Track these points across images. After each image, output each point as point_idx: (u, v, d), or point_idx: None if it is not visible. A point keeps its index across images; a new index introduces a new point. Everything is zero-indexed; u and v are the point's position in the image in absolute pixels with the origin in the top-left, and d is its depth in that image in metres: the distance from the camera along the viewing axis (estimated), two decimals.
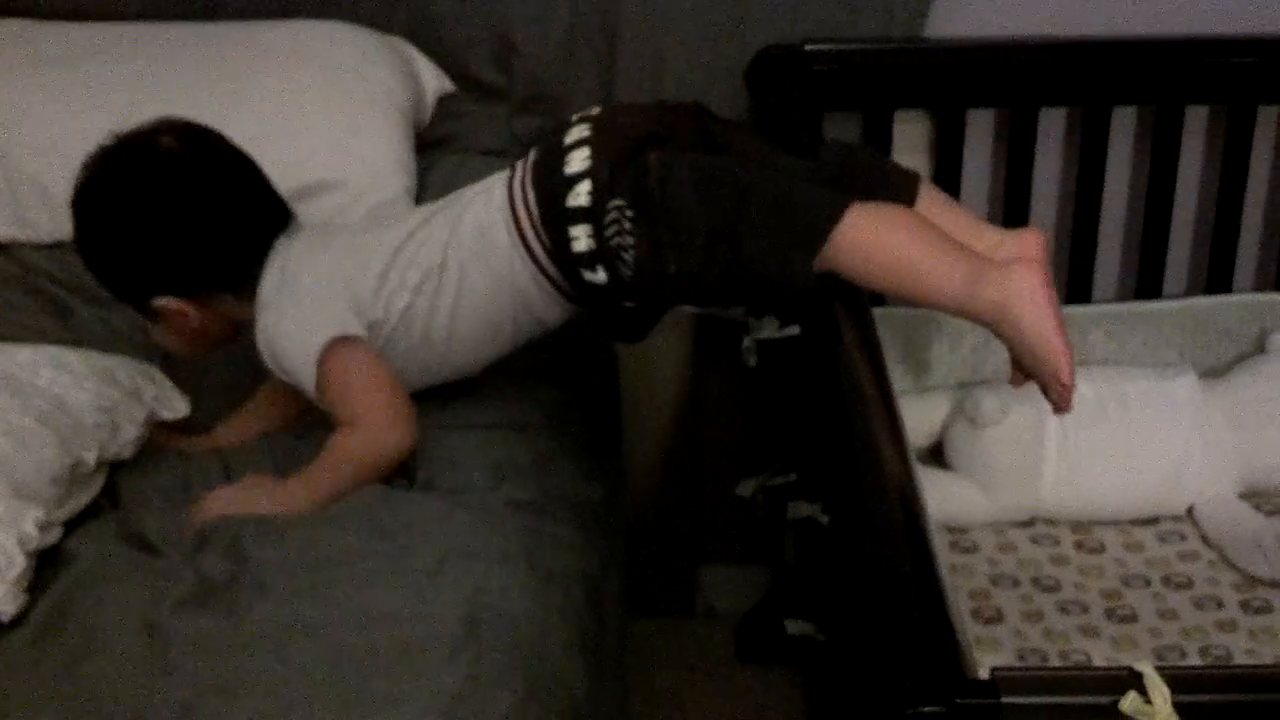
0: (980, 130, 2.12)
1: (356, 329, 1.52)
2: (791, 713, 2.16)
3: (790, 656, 2.11)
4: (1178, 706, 1.05)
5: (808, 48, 2.00)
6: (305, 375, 1.51)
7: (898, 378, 2.13)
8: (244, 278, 1.54)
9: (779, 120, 1.98)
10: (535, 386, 1.67)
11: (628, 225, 1.44)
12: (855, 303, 1.51)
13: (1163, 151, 2.09)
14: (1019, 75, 2.07)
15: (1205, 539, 1.98)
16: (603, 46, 2.01)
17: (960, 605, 1.86)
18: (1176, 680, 1.06)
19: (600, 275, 1.48)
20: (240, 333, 1.58)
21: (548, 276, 1.52)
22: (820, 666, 1.78)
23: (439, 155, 1.95)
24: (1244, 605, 1.88)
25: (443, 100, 2.00)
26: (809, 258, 1.42)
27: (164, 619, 1.31)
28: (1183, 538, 1.99)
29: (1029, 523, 2.03)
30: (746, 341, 1.86)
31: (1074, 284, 2.14)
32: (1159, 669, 1.06)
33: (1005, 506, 2.02)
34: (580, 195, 1.46)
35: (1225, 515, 1.99)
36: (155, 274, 1.53)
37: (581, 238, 1.47)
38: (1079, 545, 1.98)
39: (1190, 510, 2.02)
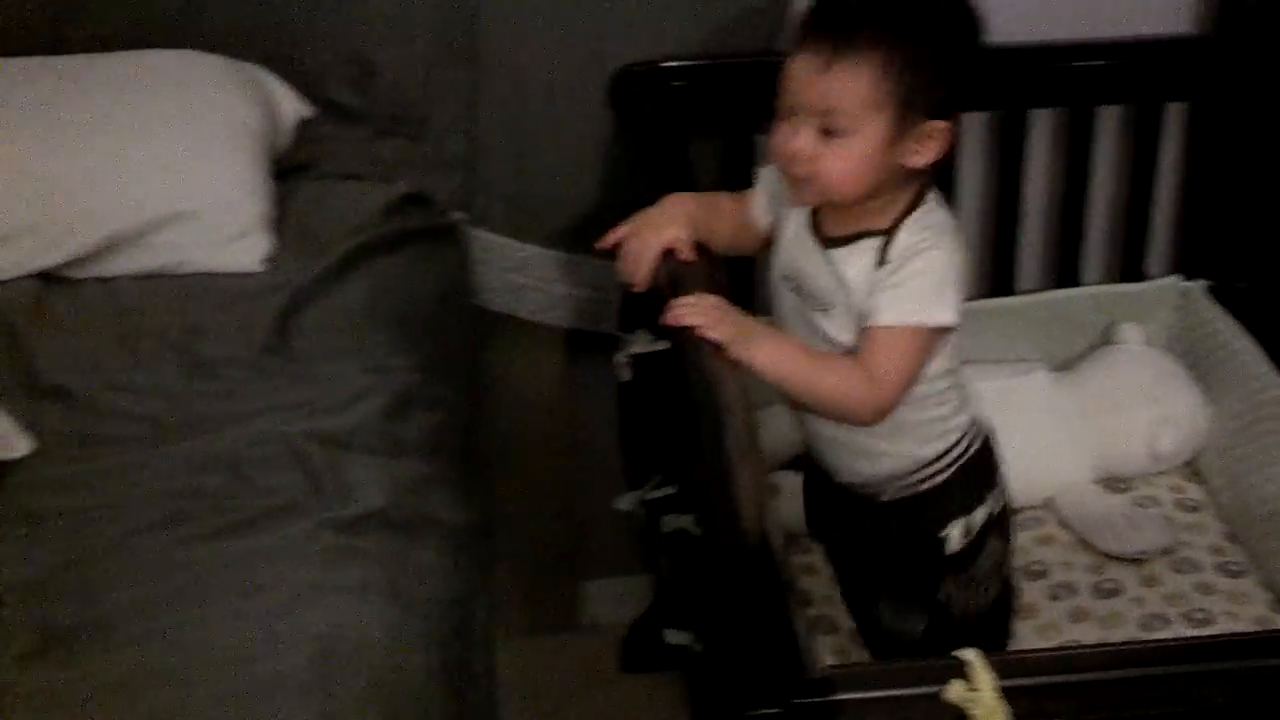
0: None
1: (957, 324, 1.43)
2: None
3: (672, 666, 2.03)
4: (1004, 690, 1.04)
5: (666, 65, 1.92)
6: (888, 315, 1.40)
7: (768, 388, 2.07)
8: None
9: (642, 135, 1.91)
10: (406, 410, 1.56)
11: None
12: None
13: (1010, 153, 2.06)
14: None
15: (1063, 523, 1.96)
16: (463, 67, 1.91)
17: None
18: (1000, 665, 1.05)
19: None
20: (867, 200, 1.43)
21: None
22: (697, 675, 1.71)
23: (300, 181, 1.84)
24: (1095, 589, 1.87)
25: (302, 125, 1.89)
26: None
27: (3, 675, 1.19)
28: (1040, 523, 1.97)
29: None
30: (620, 356, 1.80)
31: None
32: (984, 655, 1.05)
33: None
34: None
35: (1081, 500, 1.98)
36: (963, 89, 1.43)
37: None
38: None
39: (1050, 500, 1.99)
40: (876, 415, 1.43)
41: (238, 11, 1.88)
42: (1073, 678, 1.08)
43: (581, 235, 1.98)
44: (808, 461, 1.64)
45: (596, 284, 1.99)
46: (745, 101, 1.96)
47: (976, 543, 1.54)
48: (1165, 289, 2.15)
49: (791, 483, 1.97)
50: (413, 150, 1.91)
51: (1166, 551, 1.91)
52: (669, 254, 1.55)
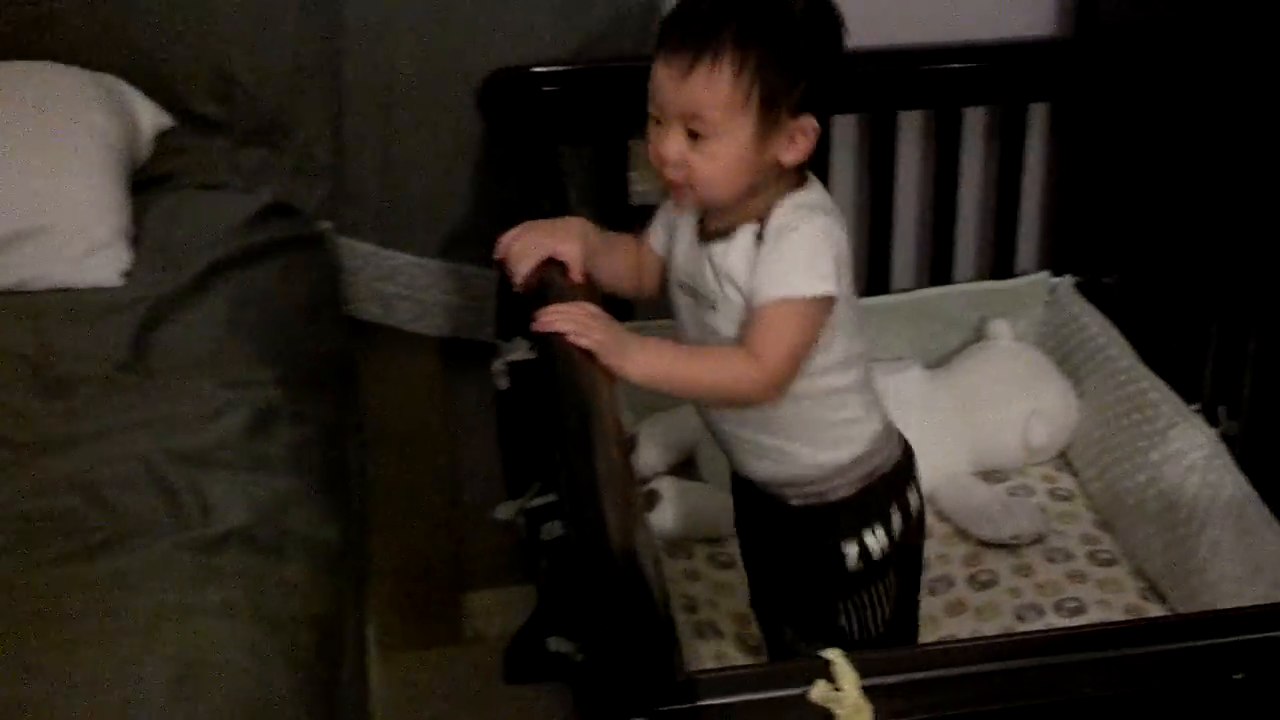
0: None
1: (835, 294, 1.41)
2: None
3: (556, 676, 2.01)
4: (867, 689, 1.03)
5: (536, 70, 1.90)
6: (764, 292, 1.39)
7: (647, 395, 2.06)
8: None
9: (513, 141, 1.89)
10: (269, 426, 1.52)
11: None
12: None
13: (881, 154, 2.07)
14: None
15: (940, 514, 1.98)
16: (328, 75, 1.88)
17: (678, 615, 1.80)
18: (863, 664, 1.04)
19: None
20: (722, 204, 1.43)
21: None
22: (580, 685, 1.70)
23: (159, 192, 1.79)
24: (971, 580, 1.89)
25: (162, 136, 1.84)
26: None
27: None
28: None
29: None
30: (497, 364, 1.77)
31: None
32: (847, 655, 1.04)
33: None
34: None
35: (958, 491, 2.00)
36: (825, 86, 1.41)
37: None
38: None
39: (929, 494, 1.97)
40: (766, 390, 1.41)
41: (95, 23, 1.83)
42: (936, 674, 1.07)
43: (453, 242, 1.96)
44: (731, 469, 1.61)
45: (471, 291, 1.97)
46: (617, 106, 1.95)
47: (878, 565, 1.53)
48: (1035, 285, 2.17)
49: (676, 488, 1.97)
50: (277, 159, 1.88)
51: (1039, 540, 1.93)
52: (552, 263, 1.52)
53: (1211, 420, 1.83)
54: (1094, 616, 1.82)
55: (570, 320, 1.38)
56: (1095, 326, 2.05)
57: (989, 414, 2.04)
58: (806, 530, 1.53)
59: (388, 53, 1.87)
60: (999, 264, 2.17)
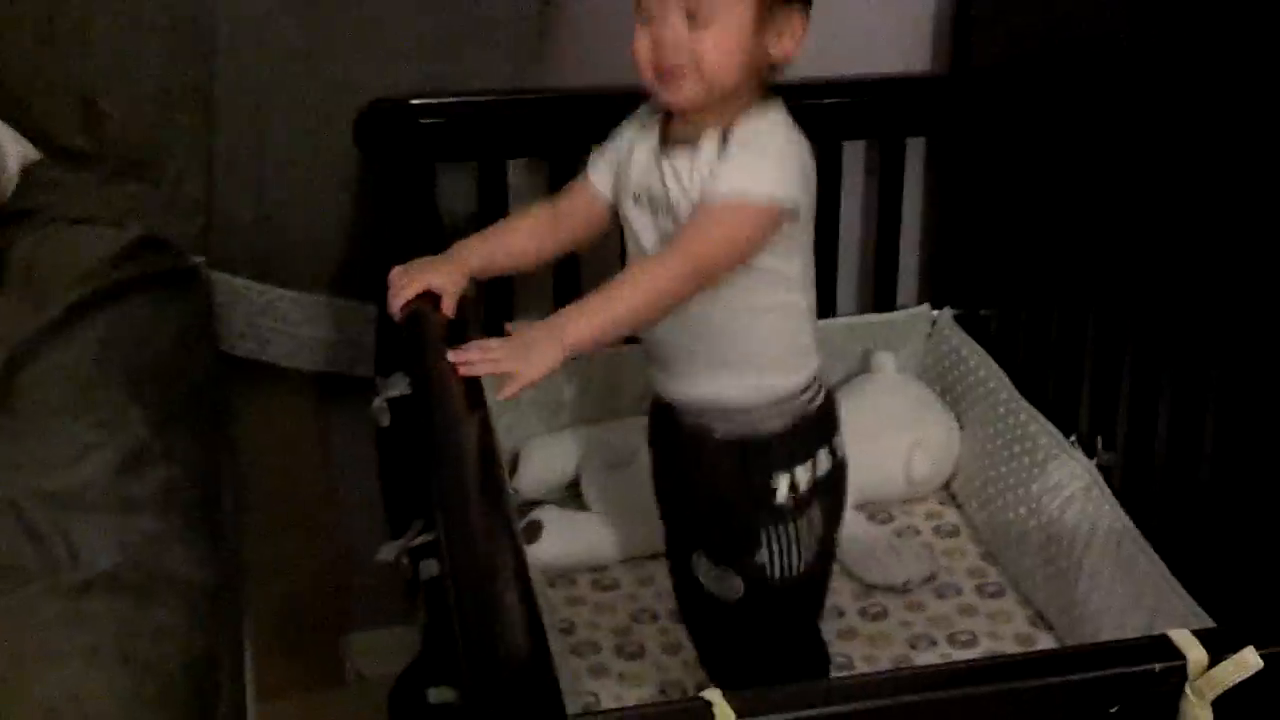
0: None
1: (794, 204, 1.41)
2: None
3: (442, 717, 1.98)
4: None
5: (414, 101, 1.88)
6: (718, 189, 1.39)
7: (531, 421, 2.06)
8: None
9: (390, 174, 1.87)
10: (139, 466, 1.48)
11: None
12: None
13: None
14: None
15: None
16: (198, 107, 1.84)
17: (559, 646, 1.80)
18: (743, 704, 1.03)
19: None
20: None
21: None
22: None
23: (25, 227, 1.74)
24: (862, 613, 1.90)
25: (28, 170, 1.80)
26: None
27: None
28: None
29: (665, 552, 1.96)
30: (377, 401, 1.75)
31: None
32: (726, 694, 1.03)
33: (642, 541, 1.96)
34: None
35: (846, 532, 1.96)
36: None
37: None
38: None
39: None
40: (695, 278, 1.40)
41: None
42: (818, 712, 1.06)
43: (330, 276, 1.93)
44: (653, 405, 1.61)
45: (349, 326, 1.95)
46: (496, 136, 1.95)
47: (804, 499, 1.53)
48: (916, 318, 2.20)
49: (559, 518, 1.96)
50: (148, 193, 1.84)
51: (928, 580, 1.94)
52: (428, 295, 1.52)
53: (1089, 452, 1.85)
54: (985, 648, 1.84)
55: (465, 359, 1.39)
56: (975, 359, 2.08)
57: (872, 446, 2.02)
58: (732, 463, 1.53)
59: (261, 84, 1.85)
60: (880, 297, 2.19)
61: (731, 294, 1.46)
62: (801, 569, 1.56)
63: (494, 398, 1.38)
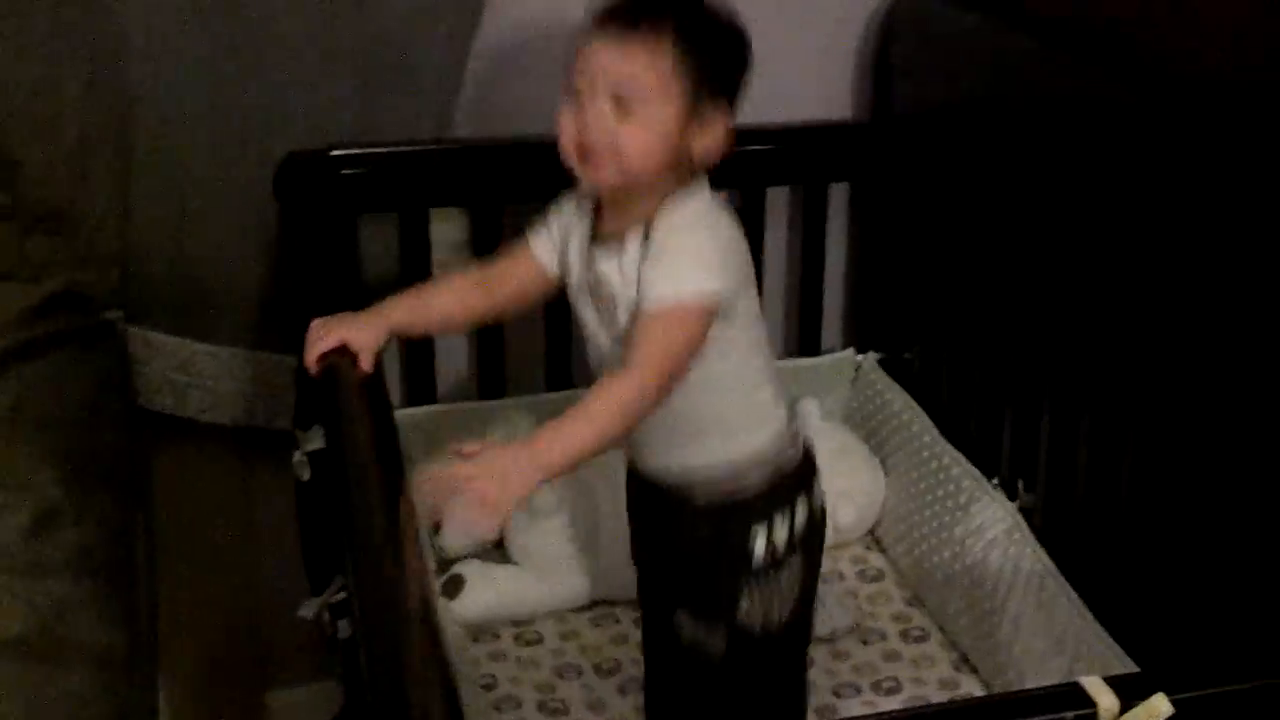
0: (521, 224, 2.04)
1: (719, 287, 1.42)
2: None
3: None
4: None
5: (334, 153, 1.88)
6: (649, 297, 1.40)
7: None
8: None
9: (309, 225, 1.86)
10: (50, 528, 1.47)
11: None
12: (378, 406, 1.41)
13: None
14: (552, 171, 2.00)
15: None
16: (117, 160, 1.83)
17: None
18: None
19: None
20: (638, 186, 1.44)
21: None
22: None
23: None
24: None
25: None
26: None
27: None
28: None
29: (589, 606, 1.97)
30: (297, 455, 1.74)
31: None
32: None
33: (567, 593, 1.95)
34: None
35: None
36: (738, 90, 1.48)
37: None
38: (638, 622, 1.92)
39: None
40: (658, 394, 1.41)
41: None
42: None
43: (248, 329, 1.92)
44: (629, 475, 1.61)
45: (267, 380, 1.93)
46: (417, 187, 1.95)
47: (784, 551, 1.54)
48: (841, 362, 2.21)
49: (481, 572, 1.95)
50: (63, 247, 1.82)
51: (851, 630, 1.95)
52: (345, 350, 1.52)
53: (1011, 494, 1.87)
54: (909, 694, 1.85)
55: (441, 488, 1.33)
56: (899, 402, 2.09)
57: None
58: (711, 526, 1.53)
59: (179, 135, 1.84)
60: (805, 341, 2.20)
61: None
62: (785, 617, 1.57)
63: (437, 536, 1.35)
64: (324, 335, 1.53)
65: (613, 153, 1.41)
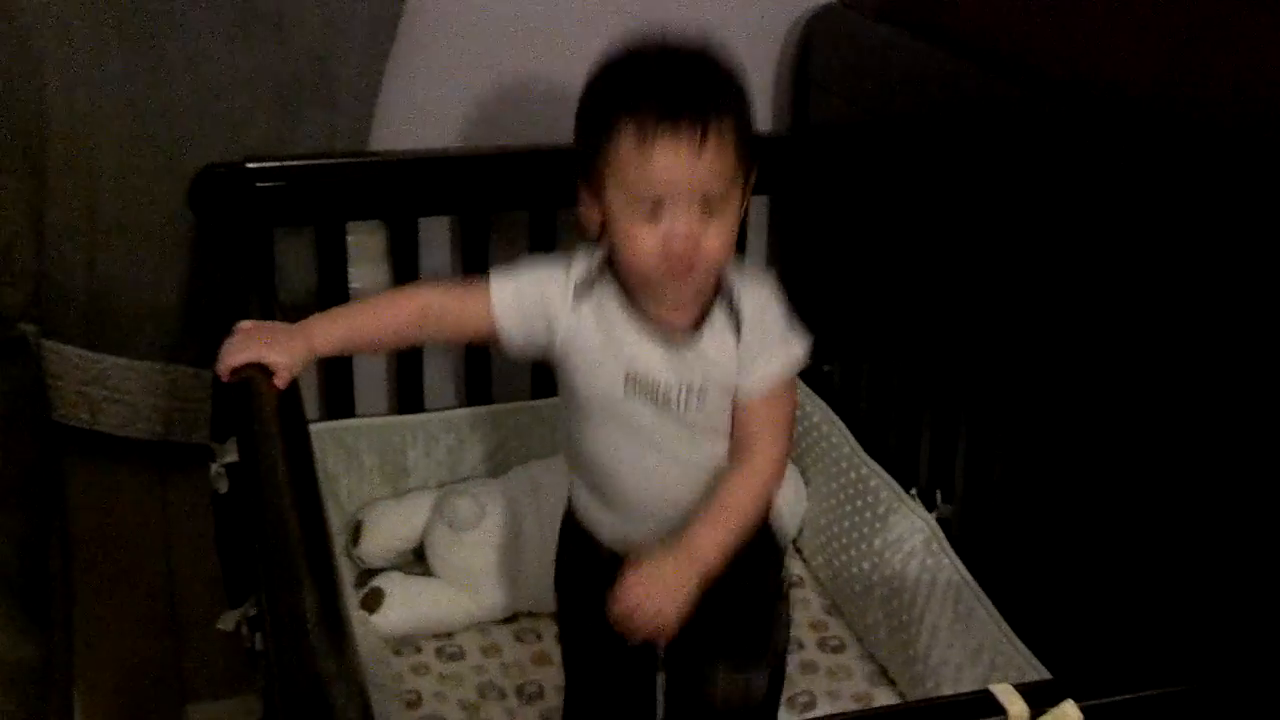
0: (436, 237, 2.05)
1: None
2: None
3: None
4: None
5: (250, 165, 1.87)
6: (765, 379, 1.41)
7: (375, 484, 2.05)
8: None
9: (225, 238, 1.85)
10: None
11: None
12: (291, 419, 1.40)
13: None
14: (469, 184, 2.01)
15: None
16: (30, 174, 1.82)
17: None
18: None
19: None
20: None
21: None
22: None
23: None
24: None
25: None
26: None
27: None
28: None
29: (512, 619, 1.98)
30: (215, 467, 1.72)
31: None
32: None
33: (489, 606, 1.95)
34: None
35: None
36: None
37: None
38: (559, 639, 1.92)
39: None
40: (780, 477, 1.44)
41: None
42: None
43: (164, 343, 1.91)
44: (604, 550, 1.54)
45: (184, 393, 1.92)
46: (334, 200, 1.95)
47: (784, 580, 1.60)
48: None
49: (402, 585, 1.94)
50: None
51: None
52: (261, 365, 1.45)
53: (929, 505, 1.89)
54: (823, 708, 1.86)
55: (651, 621, 1.34)
56: (819, 414, 2.12)
57: None
58: (746, 566, 1.48)
59: (94, 148, 1.83)
60: None
61: (705, 449, 1.46)
62: (788, 644, 1.61)
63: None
64: (243, 348, 1.47)
65: (702, 256, 1.36)
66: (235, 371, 1.47)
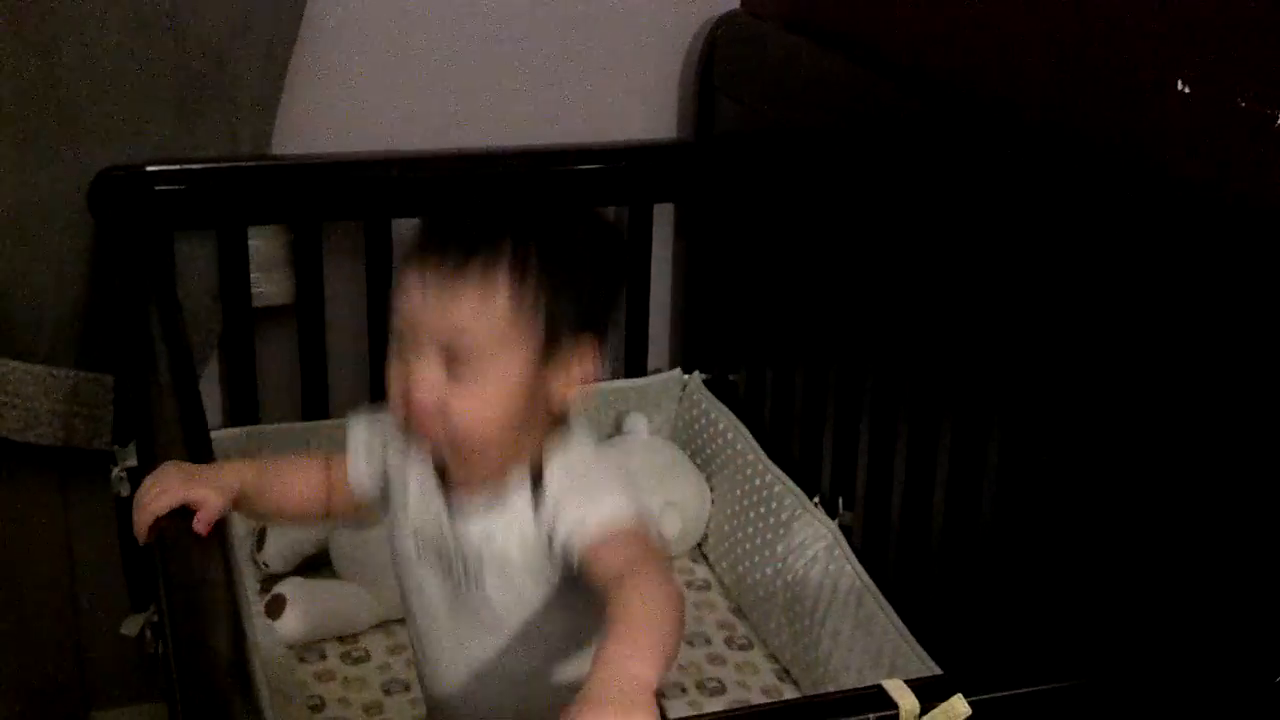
0: (342, 242, 2.05)
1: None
2: None
3: None
4: None
5: (150, 169, 1.87)
6: (599, 518, 1.18)
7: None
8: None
9: (125, 242, 1.85)
10: None
11: None
12: (191, 425, 1.41)
13: None
14: (372, 188, 2.02)
15: None
16: None
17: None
18: None
19: None
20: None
21: None
22: None
23: None
24: None
25: None
26: None
27: None
28: None
29: None
30: (116, 471, 1.73)
31: None
32: None
33: (391, 604, 1.96)
34: None
35: None
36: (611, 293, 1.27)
37: None
38: None
39: None
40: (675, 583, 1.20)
41: None
42: None
43: (64, 348, 1.91)
44: None
45: (84, 398, 1.91)
46: (235, 204, 1.95)
47: None
48: (668, 382, 2.26)
49: (304, 590, 1.94)
50: None
51: None
52: (182, 511, 1.28)
53: (831, 512, 1.92)
54: (734, 696, 1.90)
55: None
56: (724, 422, 2.15)
57: None
58: None
59: None
60: (631, 362, 2.24)
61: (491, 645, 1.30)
62: None
63: None
64: (162, 491, 1.27)
65: (443, 417, 1.19)
66: (155, 525, 1.28)
